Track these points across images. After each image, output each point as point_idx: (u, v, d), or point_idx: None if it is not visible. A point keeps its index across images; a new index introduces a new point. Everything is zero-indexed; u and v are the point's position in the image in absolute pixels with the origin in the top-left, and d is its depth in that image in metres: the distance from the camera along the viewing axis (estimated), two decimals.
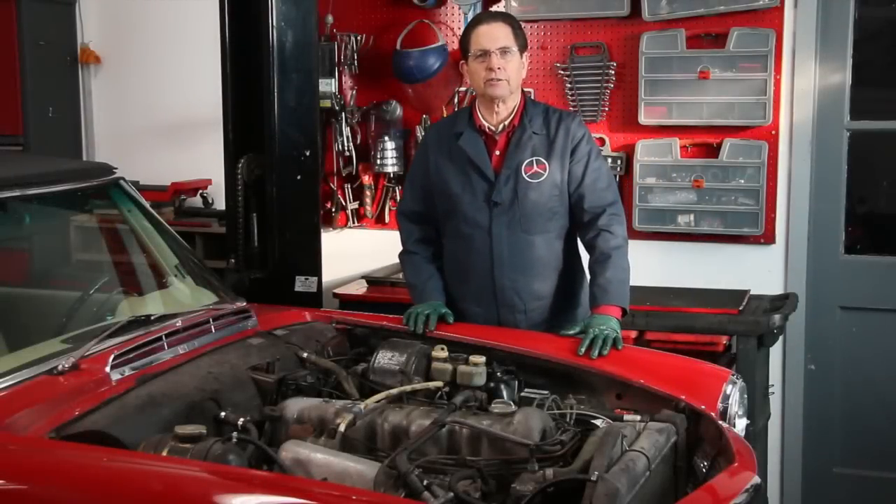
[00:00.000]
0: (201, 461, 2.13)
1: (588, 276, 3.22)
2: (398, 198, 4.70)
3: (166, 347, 2.68)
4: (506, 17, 3.22)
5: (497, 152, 3.21)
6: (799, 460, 4.37)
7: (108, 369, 2.50)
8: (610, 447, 2.18)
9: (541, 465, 2.18)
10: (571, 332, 3.01)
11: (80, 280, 3.38)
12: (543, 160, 3.17)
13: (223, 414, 2.44)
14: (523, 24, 4.43)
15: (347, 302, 4.23)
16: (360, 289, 4.38)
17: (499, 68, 3.10)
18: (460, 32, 4.49)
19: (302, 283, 3.77)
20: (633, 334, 3.76)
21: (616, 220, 3.17)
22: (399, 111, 4.66)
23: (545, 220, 3.19)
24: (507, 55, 3.12)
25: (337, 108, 4.64)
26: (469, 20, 3.34)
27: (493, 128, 3.21)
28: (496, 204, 3.17)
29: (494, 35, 3.12)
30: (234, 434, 2.27)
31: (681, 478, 2.51)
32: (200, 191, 4.91)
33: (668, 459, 2.43)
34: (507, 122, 3.20)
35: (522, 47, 3.17)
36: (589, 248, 3.20)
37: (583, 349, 2.87)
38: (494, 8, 4.46)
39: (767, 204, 4.20)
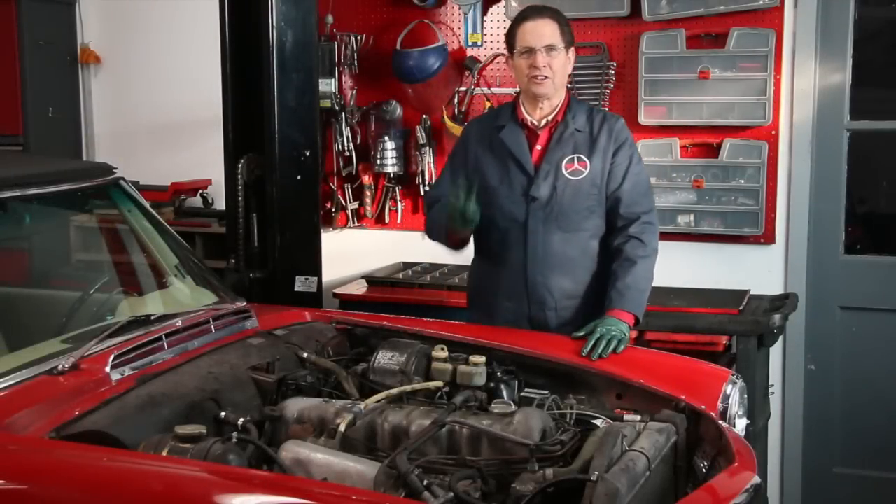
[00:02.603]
0: (201, 461, 2.13)
1: None
2: (398, 198, 4.71)
3: (166, 347, 2.68)
4: (553, 13, 3.16)
5: (538, 147, 3.19)
6: (799, 460, 4.37)
7: (108, 369, 2.49)
8: (610, 447, 2.18)
9: (541, 465, 2.17)
10: (581, 333, 2.99)
11: (80, 280, 3.38)
12: (585, 158, 3.15)
13: (223, 414, 2.43)
14: None
15: (347, 302, 4.23)
16: (360, 289, 4.38)
17: (544, 66, 3.08)
18: (460, 32, 4.53)
19: (302, 283, 3.77)
20: (634, 334, 3.73)
21: (649, 229, 3.15)
22: (399, 111, 4.66)
23: (582, 219, 3.17)
24: (553, 53, 3.09)
25: (337, 108, 4.64)
26: (515, 14, 3.21)
27: (535, 122, 3.19)
28: (534, 199, 3.15)
29: (540, 32, 3.09)
30: (234, 434, 2.27)
31: (681, 478, 2.51)
32: (200, 191, 4.91)
33: (668, 459, 2.43)
34: (550, 118, 3.18)
35: (569, 43, 3.14)
36: (616, 252, 3.16)
37: (586, 350, 2.87)
38: (496, 7, 4.47)
39: (767, 204, 4.20)
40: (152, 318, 2.82)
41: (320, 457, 2.26)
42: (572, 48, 3.17)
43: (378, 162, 4.64)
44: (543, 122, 3.19)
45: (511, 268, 3.21)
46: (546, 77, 3.10)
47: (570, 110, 3.19)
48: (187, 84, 4.93)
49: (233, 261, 3.77)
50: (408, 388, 2.69)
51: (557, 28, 3.11)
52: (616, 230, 3.17)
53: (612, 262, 3.17)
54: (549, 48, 3.08)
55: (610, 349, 2.87)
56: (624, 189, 3.15)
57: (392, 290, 4.30)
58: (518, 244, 3.18)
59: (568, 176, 3.14)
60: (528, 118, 3.20)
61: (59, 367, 2.47)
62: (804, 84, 4.17)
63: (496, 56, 4.52)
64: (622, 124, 3.22)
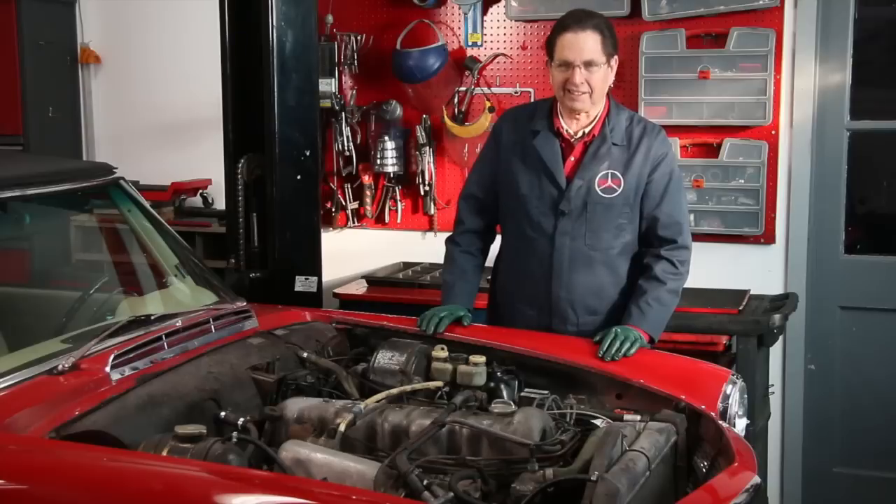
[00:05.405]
0: (201, 461, 2.13)
1: None
2: (398, 198, 4.71)
3: (166, 347, 2.68)
4: (595, 24, 2.96)
5: (572, 159, 3.07)
6: (799, 460, 4.38)
7: (108, 369, 2.49)
8: (610, 447, 2.18)
9: (541, 465, 2.18)
10: (598, 338, 2.96)
11: (80, 280, 3.38)
12: (619, 175, 3.03)
13: (223, 414, 2.43)
14: (523, 24, 4.49)
15: (347, 302, 4.23)
16: (360, 289, 4.38)
17: (581, 83, 2.95)
18: (460, 32, 4.53)
19: (302, 283, 3.77)
20: None
21: (684, 253, 3.10)
22: (399, 111, 4.66)
23: (611, 237, 3.08)
24: (592, 68, 2.95)
25: (337, 108, 4.64)
26: (558, 20, 3.01)
27: (571, 133, 3.08)
28: (563, 213, 3.06)
29: (580, 47, 2.93)
30: (234, 434, 2.27)
31: (681, 478, 2.51)
32: (200, 191, 4.91)
33: (668, 459, 2.43)
34: (587, 129, 3.07)
35: (611, 54, 2.99)
36: (645, 268, 3.09)
37: (602, 351, 2.86)
38: (496, 7, 4.47)
39: (767, 204, 4.21)
40: (152, 318, 2.81)
41: (320, 457, 2.26)
42: (615, 56, 3.01)
43: (378, 162, 4.64)
44: (580, 133, 3.06)
45: (535, 279, 3.12)
46: (583, 93, 2.97)
47: (608, 122, 3.06)
48: (187, 84, 4.93)
49: (233, 261, 3.77)
50: (408, 388, 2.69)
51: (600, 41, 2.94)
52: (650, 248, 3.10)
53: (635, 281, 3.10)
54: (588, 64, 2.94)
55: (623, 350, 2.86)
56: (662, 209, 3.06)
57: (392, 290, 4.30)
58: (544, 256, 3.09)
59: (601, 193, 3.03)
60: (565, 127, 3.07)
61: (59, 367, 2.47)
62: (804, 84, 4.17)
63: (496, 56, 4.52)
64: (662, 138, 3.09)
